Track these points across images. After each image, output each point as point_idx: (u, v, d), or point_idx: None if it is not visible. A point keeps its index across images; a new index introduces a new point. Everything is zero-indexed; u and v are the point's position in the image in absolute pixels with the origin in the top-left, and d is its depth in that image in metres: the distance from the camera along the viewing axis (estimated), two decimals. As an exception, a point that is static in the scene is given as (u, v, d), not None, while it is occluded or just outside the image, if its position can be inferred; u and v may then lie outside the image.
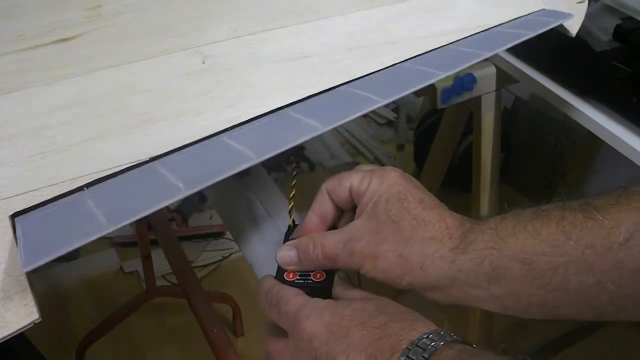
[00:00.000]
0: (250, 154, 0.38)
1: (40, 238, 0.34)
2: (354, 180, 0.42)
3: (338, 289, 0.41)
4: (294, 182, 0.48)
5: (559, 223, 0.37)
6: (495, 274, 0.37)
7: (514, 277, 0.37)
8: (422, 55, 0.52)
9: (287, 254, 0.42)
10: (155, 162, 0.39)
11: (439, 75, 0.47)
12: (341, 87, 0.47)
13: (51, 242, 0.33)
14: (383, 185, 0.41)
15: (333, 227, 0.44)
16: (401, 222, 0.39)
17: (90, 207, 0.35)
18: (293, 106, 0.44)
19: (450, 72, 0.48)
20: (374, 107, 0.43)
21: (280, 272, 0.42)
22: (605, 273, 0.35)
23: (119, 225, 0.33)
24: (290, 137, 0.40)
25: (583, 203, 0.37)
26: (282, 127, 0.42)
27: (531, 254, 0.36)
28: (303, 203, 0.46)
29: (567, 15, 0.59)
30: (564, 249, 0.36)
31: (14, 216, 0.36)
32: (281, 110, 0.44)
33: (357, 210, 0.42)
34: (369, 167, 0.44)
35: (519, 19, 0.59)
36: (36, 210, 0.36)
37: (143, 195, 0.36)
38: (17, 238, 0.34)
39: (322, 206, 0.43)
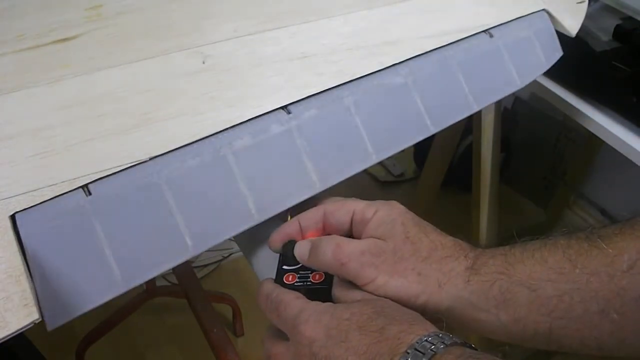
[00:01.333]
0: (254, 210, 0.42)
1: (61, 303, 0.36)
2: (358, 207, 0.42)
3: (337, 290, 0.41)
4: None
5: (565, 251, 0.38)
6: (503, 298, 0.38)
7: (521, 302, 0.37)
8: (426, 80, 0.53)
9: (304, 247, 0.42)
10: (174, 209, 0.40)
11: (431, 132, 0.51)
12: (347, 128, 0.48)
13: (70, 305, 0.36)
14: (393, 211, 0.42)
15: None
16: (419, 244, 0.40)
17: (114, 272, 0.38)
18: (305, 147, 0.46)
19: (440, 128, 0.52)
20: (368, 166, 0.48)
21: (279, 275, 0.42)
22: (608, 301, 0.36)
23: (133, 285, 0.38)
24: (294, 194, 0.44)
25: (589, 232, 0.38)
26: (291, 176, 0.45)
27: (538, 280, 0.37)
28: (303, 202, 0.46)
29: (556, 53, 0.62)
30: (569, 277, 0.37)
31: (14, 216, 0.36)
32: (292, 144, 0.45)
33: (366, 234, 0.41)
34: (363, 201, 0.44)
35: (518, 44, 0.60)
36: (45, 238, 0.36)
37: (157, 254, 0.39)
38: (37, 294, 0.35)
39: (310, 220, 0.44)
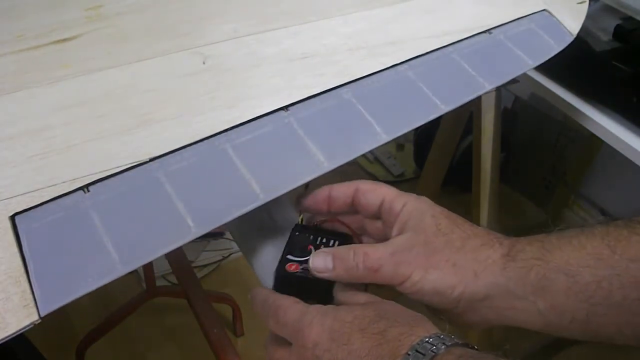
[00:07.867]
0: (258, 190, 0.41)
1: (54, 284, 0.35)
2: (388, 195, 0.42)
3: (340, 293, 0.41)
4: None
5: (603, 238, 0.37)
6: (540, 285, 0.37)
7: (558, 289, 0.37)
8: (429, 70, 0.52)
9: (322, 259, 0.41)
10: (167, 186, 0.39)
11: (443, 110, 0.49)
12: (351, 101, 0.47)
13: (65, 289, 0.35)
14: (422, 205, 0.41)
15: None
16: (451, 235, 0.40)
17: (112, 257, 0.36)
18: (305, 129, 0.45)
19: (453, 107, 0.50)
20: (378, 144, 0.46)
21: (282, 263, 0.42)
22: None
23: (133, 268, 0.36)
24: (298, 174, 0.42)
25: (627, 220, 0.38)
26: (291, 154, 0.43)
27: (576, 266, 0.37)
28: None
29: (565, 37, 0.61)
30: (608, 262, 0.36)
31: (14, 217, 0.36)
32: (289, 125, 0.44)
33: (395, 228, 0.41)
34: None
35: (521, 33, 0.59)
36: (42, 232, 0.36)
37: (158, 233, 0.38)
38: (31, 281, 0.34)
39: (341, 193, 0.43)
